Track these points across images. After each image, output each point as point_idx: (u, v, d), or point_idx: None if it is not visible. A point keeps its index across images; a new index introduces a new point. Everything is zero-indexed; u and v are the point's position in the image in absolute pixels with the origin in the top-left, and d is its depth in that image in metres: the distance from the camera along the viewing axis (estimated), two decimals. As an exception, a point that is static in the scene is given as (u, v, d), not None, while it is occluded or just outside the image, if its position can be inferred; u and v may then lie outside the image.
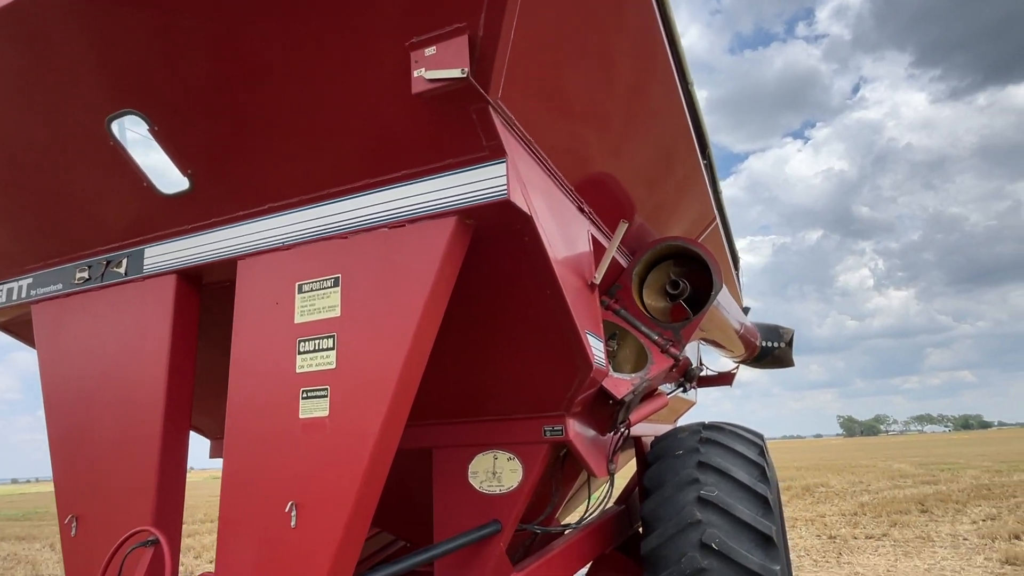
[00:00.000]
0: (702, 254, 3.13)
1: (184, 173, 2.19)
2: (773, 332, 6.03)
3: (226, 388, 2.08)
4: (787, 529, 10.48)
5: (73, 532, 2.32)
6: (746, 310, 6.07)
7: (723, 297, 3.56)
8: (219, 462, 2.34)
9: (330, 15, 1.75)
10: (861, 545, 9.40)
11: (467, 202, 1.85)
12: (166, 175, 2.23)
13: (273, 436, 1.95)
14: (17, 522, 21.58)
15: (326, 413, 1.89)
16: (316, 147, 2.02)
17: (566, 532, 3.14)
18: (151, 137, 2.14)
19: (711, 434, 3.21)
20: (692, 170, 3.41)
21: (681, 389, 3.99)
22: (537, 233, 1.95)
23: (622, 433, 2.92)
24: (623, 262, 3.23)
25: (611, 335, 3.02)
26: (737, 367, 6.02)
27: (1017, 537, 9.15)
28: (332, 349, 1.94)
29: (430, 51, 1.68)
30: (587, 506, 3.19)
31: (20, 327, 2.99)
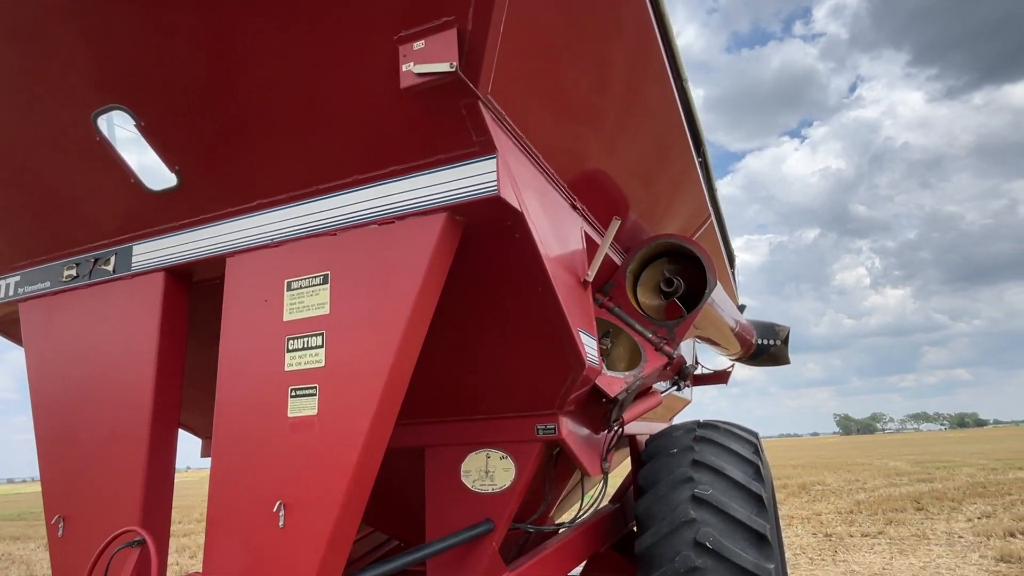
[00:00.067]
0: (696, 251, 3.11)
1: (171, 169, 2.16)
2: (769, 330, 6.01)
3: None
4: (783, 527, 10.51)
5: (60, 532, 2.30)
6: (741, 308, 6.06)
7: (718, 295, 3.55)
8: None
9: (318, 9, 1.73)
10: (857, 543, 9.41)
11: (457, 198, 1.83)
12: (154, 171, 2.21)
13: (261, 435, 1.93)
14: (12, 522, 21.50)
15: (315, 412, 1.87)
16: (305, 143, 2.00)
17: (560, 531, 3.12)
18: (138, 132, 2.11)
19: (706, 432, 3.19)
20: (686, 167, 3.39)
21: (675, 387, 3.98)
22: (528, 230, 1.93)
23: (616, 431, 2.91)
24: (617, 260, 3.22)
25: (605, 333, 3.00)
26: (733, 365, 6.01)
27: (1012, 535, 9.17)
28: (321, 347, 1.92)
29: (419, 45, 1.66)
30: (580, 505, 3.17)
31: (8, 325, 2.97)
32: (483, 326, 2.31)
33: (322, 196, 2.03)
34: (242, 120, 2.02)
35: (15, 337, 3.01)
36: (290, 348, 1.96)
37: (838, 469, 24.58)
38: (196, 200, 2.23)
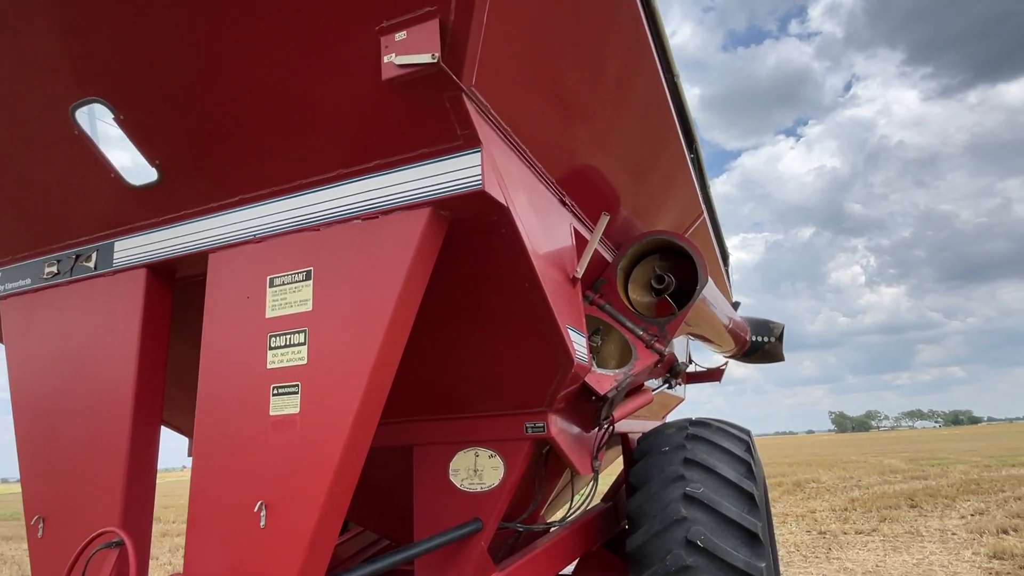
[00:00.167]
0: (688, 248, 3.09)
1: (152, 163, 2.12)
2: (763, 327, 6.00)
3: (199, 385, 2.02)
4: (778, 525, 10.51)
5: (40, 533, 2.26)
6: (736, 305, 6.04)
7: (711, 292, 3.52)
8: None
9: (300, 0, 1.69)
10: (851, 540, 9.42)
11: (441, 193, 1.79)
12: (135, 166, 2.17)
13: (243, 434, 1.90)
14: (5, 522, 21.37)
15: (297, 410, 1.83)
16: (287, 137, 1.96)
17: (551, 530, 3.10)
18: (117, 127, 2.07)
19: (698, 430, 3.17)
20: (678, 163, 3.36)
21: (667, 385, 3.95)
22: (515, 225, 1.90)
23: (606, 430, 2.88)
24: (608, 257, 3.19)
25: (595, 330, 2.97)
26: (727, 362, 6.00)
27: (1005, 532, 9.20)
28: (303, 344, 1.88)
29: (400, 36, 1.63)
30: (571, 504, 3.14)
31: (-11, 323, 2.92)
32: (470, 323, 2.28)
33: (305, 191, 2.00)
34: (223, 114, 1.98)
35: (-3, 335, 2.96)
36: (272, 345, 1.92)
37: (833, 466, 24.64)
38: (177, 195, 2.19)
